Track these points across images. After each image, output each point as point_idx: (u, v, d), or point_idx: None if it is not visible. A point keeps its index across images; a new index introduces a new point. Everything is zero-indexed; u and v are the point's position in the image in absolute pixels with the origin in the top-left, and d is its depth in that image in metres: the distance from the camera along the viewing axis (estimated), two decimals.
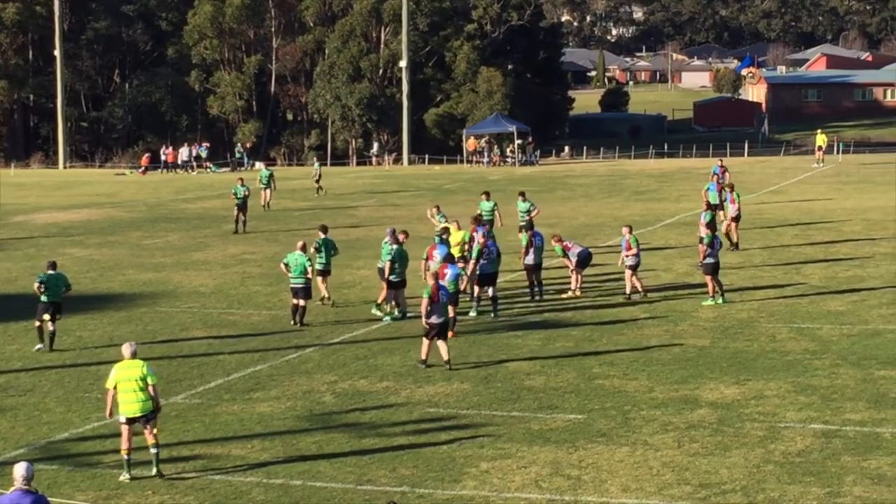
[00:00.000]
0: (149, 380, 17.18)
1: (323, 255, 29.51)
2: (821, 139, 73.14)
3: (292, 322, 27.46)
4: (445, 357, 23.00)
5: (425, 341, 23.21)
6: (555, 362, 23.54)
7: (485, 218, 35.93)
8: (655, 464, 17.43)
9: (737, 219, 37.26)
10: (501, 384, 22.00)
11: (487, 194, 38.50)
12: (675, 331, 26.24)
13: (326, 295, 29.65)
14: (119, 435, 17.37)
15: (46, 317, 25.47)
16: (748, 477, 16.78)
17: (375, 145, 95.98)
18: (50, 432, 19.63)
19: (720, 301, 28.88)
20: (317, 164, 64.05)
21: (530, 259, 29.85)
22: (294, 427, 19.65)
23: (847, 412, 19.75)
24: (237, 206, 44.58)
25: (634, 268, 29.69)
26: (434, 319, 22.95)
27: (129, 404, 17.11)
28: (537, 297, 29.77)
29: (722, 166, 50.29)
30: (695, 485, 16.55)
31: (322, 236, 29.92)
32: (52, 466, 17.77)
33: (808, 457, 17.57)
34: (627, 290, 29.70)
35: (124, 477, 17.09)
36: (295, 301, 27.50)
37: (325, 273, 29.62)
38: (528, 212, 36.85)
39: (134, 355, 17.34)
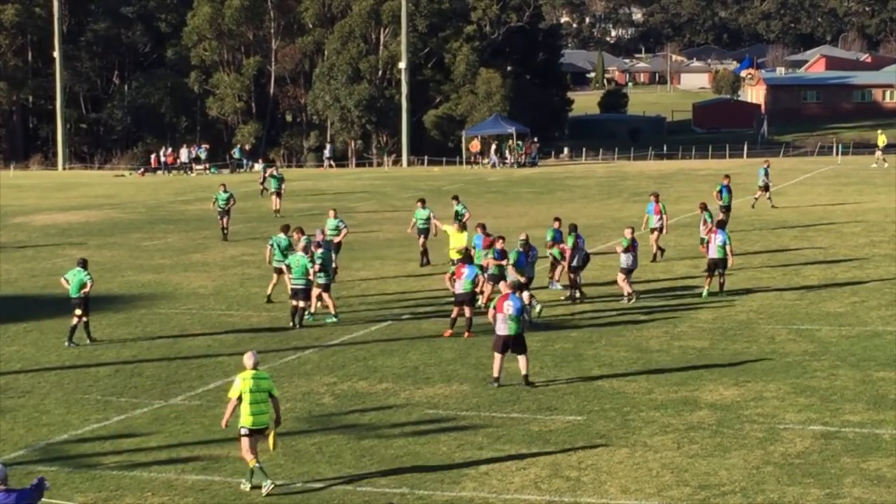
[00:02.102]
0: (273, 392, 16.76)
1: (278, 254, 29.68)
2: (881, 139, 72.43)
3: (291, 324, 27.48)
4: (523, 371, 21.93)
5: (496, 356, 22.11)
6: (554, 363, 23.54)
7: (420, 227, 35.62)
8: (655, 465, 17.43)
9: (659, 230, 35.78)
10: (501, 385, 21.98)
11: (423, 202, 37.12)
12: (674, 332, 26.24)
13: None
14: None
15: (78, 311, 26.00)
16: (747, 478, 16.78)
17: (328, 146, 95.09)
18: (49, 434, 19.61)
19: (704, 294, 29.76)
20: (260, 166, 63.94)
21: (576, 262, 29.85)
22: (293, 428, 19.63)
23: (846, 413, 19.75)
24: (219, 213, 42.93)
25: (628, 271, 29.58)
26: (501, 331, 21.95)
27: (254, 416, 16.52)
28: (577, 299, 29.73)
29: (767, 168, 49.66)
30: (694, 486, 16.55)
31: (281, 236, 30.19)
32: (52, 468, 17.74)
33: (807, 458, 17.57)
34: (628, 290, 29.56)
35: (267, 486, 16.38)
36: (294, 302, 27.52)
37: (282, 272, 29.51)
38: (461, 216, 36.39)
39: (256, 366, 16.78)
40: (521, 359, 21.90)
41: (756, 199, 48.17)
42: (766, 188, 48.24)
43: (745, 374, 22.35)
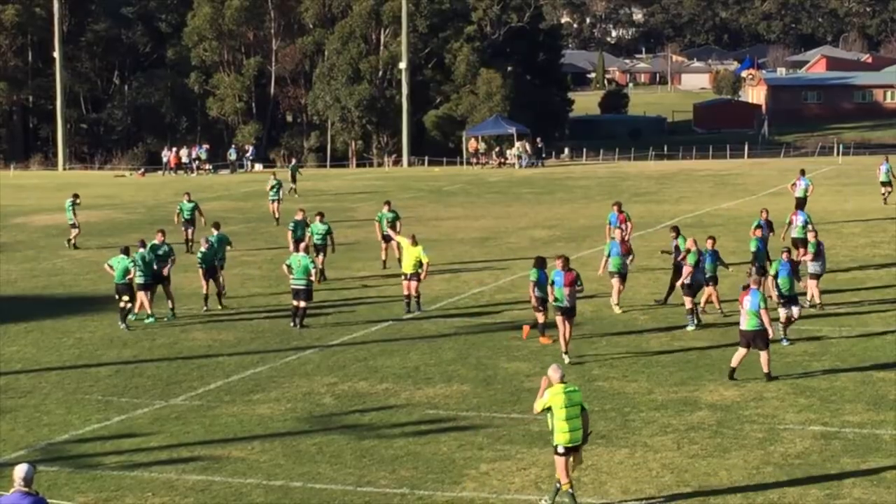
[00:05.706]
0: (584, 405, 15.83)
1: (218, 251, 30.72)
2: None
3: (292, 324, 27.49)
4: (765, 369, 21.92)
5: (739, 350, 22.12)
6: None
7: (317, 242, 33.85)
8: (655, 465, 17.45)
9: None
10: (501, 386, 22.01)
11: (321, 215, 35.25)
12: (674, 333, 26.24)
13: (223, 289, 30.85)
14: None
15: (126, 297, 27.92)
16: (748, 479, 16.80)
17: (250, 149, 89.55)
18: (50, 434, 19.64)
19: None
20: (292, 164, 64.75)
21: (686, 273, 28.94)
22: (294, 429, 19.66)
23: (846, 414, 19.77)
24: (184, 224, 40.50)
25: (818, 276, 28.87)
26: (742, 325, 22.04)
27: (569, 433, 15.55)
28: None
29: (888, 165, 49.46)
30: (694, 486, 16.57)
31: (215, 233, 31.31)
32: (53, 468, 17.77)
33: (807, 458, 17.59)
34: (817, 300, 28.59)
35: None
36: (295, 302, 27.53)
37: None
38: (392, 223, 35.79)
39: (563, 378, 15.79)
40: (762, 355, 21.90)
41: (888, 193, 48.44)
42: (889, 184, 48.51)
43: (745, 374, 22.36)
